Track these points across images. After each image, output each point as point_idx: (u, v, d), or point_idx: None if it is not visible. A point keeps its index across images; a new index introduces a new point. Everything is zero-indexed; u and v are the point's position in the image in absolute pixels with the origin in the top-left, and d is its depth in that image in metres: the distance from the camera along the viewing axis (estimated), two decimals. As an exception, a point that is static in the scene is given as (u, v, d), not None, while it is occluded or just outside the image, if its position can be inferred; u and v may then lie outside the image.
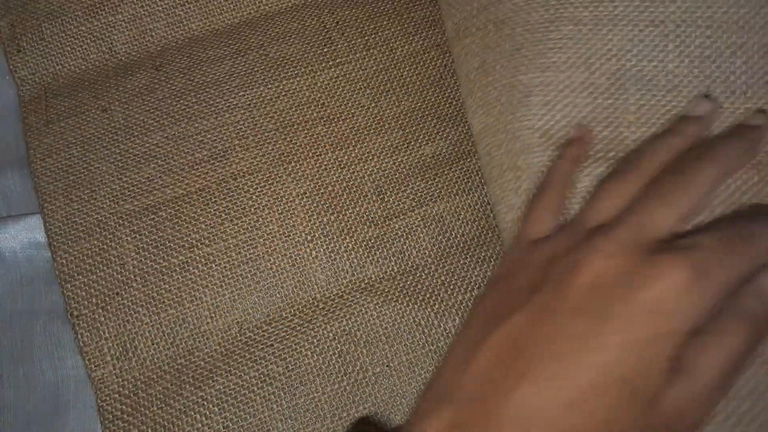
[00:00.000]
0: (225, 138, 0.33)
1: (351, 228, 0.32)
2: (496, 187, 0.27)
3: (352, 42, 0.36)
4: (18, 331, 0.31)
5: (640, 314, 0.20)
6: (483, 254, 0.32)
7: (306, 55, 0.35)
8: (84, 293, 0.30)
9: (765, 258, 0.22)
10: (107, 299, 0.30)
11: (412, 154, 0.33)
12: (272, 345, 0.30)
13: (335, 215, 0.32)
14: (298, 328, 0.30)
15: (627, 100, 0.24)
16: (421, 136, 0.34)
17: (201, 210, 0.32)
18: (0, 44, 0.35)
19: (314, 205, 0.32)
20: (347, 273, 0.31)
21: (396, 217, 0.32)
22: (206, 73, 0.35)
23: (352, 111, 0.34)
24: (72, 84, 0.35)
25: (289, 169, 0.33)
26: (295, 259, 0.31)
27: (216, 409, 0.29)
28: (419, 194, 0.33)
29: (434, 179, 0.33)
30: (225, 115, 0.34)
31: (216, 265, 0.31)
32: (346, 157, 0.33)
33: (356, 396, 0.29)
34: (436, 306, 0.30)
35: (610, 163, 0.25)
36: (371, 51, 0.36)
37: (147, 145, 0.33)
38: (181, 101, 0.34)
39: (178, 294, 0.30)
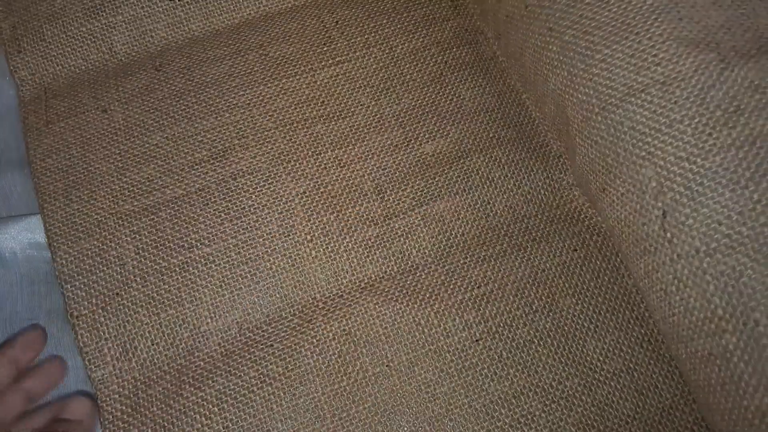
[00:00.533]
0: (225, 138, 0.33)
1: (351, 227, 0.32)
2: (639, 107, 0.28)
3: (352, 40, 0.36)
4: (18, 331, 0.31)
5: None
6: (483, 254, 0.31)
7: (305, 54, 0.35)
8: (84, 294, 0.30)
9: None
10: (107, 299, 0.30)
11: (413, 153, 0.33)
12: (272, 345, 0.30)
13: (335, 215, 0.32)
14: (298, 328, 0.30)
15: (756, 6, 0.27)
16: (421, 134, 0.34)
17: (200, 210, 0.32)
18: (1, 45, 0.35)
19: (314, 204, 0.32)
20: (347, 273, 0.31)
21: (396, 217, 0.32)
22: (206, 73, 0.35)
23: (352, 109, 0.34)
24: (72, 84, 0.35)
25: (289, 168, 0.33)
26: (295, 258, 0.31)
27: (216, 409, 0.29)
28: (419, 193, 0.32)
29: (434, 178, 0.33)
30: (225, 114, 0.34)
31: (216, 265, 0.31)
32: (345, 156, 0.33)
33: (356, 396, 0.29)
34: (436, 306, 0.30)
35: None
36: (371, 49, 0.36)
37: (147, 145, 0.33)
38: (181, 101, 0.34)
39: (177, 294, 0.30)
